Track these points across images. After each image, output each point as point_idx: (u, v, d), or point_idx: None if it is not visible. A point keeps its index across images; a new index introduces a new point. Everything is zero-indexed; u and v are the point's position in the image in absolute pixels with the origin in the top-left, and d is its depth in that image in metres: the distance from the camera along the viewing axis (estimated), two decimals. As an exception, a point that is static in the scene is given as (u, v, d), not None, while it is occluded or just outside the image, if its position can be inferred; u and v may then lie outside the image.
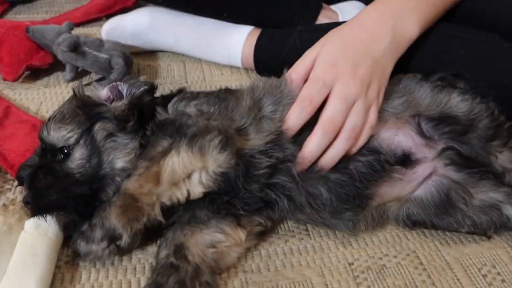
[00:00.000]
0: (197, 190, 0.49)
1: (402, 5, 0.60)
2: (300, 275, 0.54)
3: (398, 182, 0.57)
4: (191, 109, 0.55)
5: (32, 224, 0.52)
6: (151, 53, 0.95)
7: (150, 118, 0.55)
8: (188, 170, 0.48)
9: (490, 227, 0.58)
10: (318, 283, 0.53)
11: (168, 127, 0.52)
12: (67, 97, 0.79)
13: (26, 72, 0.82)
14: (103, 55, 0.80)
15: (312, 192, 0.54)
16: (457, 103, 0.59)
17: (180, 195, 0.49)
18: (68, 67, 0.82)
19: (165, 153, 0.48)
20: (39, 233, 0.51)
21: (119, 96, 0.58)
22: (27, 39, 0.83)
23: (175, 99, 0.57)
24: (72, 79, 0.83)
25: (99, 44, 0.82)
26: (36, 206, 0.51)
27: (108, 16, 1.08)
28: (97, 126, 0.53)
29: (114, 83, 0.58)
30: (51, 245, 0.51)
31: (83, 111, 0.54)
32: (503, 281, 0.56)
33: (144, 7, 0.94)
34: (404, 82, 0.62)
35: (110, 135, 0.53)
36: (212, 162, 0.49)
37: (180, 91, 0.61)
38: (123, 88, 0.58)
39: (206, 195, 0.51)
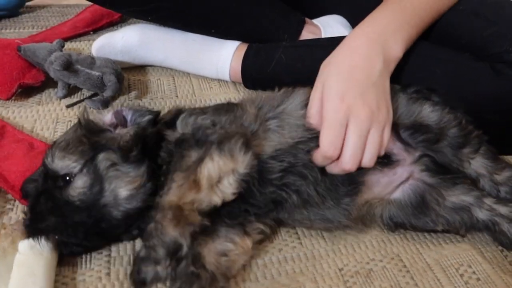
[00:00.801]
0: (229, 191, 0.52)
1: (387, 27, 0.64)
2: (295, 281, 0.58)
3: (381, 176, 0.62)
4: (204, 121, 0.58)
5: (27, 246, 0.53)
6: (141, 68, 0.97)
7: (156, 145, 0.58)
8: (223, 173, 0.51)
9: (461, 226, 0.63)
10: (312, 289, 0.57)
11: (189, 141, 0.55)
12: (60, 115, 0.82)
13: (18, 90, 0.83)
14: (96, 73, 0.82)
15: (319, 183, 0.59)
16: (428, 113, 0.64)
17: (217, 199, 0.51)
18: (60, 84, 0.84)
19: (199, 161, 0.51)
20: (35, 253, 0.53)
21: (123, 121, 0.60)
22: (19, 57, 0.84)
23: (182, 115, 0.60)
24: (65, 96, 0.85)
25: (91, 61, 0.84)
26: (33, 228, 0.53)
27: (95, 30, 1.10)
28: (101, 157, 0.55)
29: (119, 109, 0.60)
30: (48, 263, 0.53)
31: (88, 140, 0.56)
32: (478, 279, 0.61)
33: (133, 24, 0.96)
34: None
35: (113, 164, 0.55)
36: (241, 163, 0.52)
37: (179, 110, 0.63)
38: (128, 114, 0.60)
39: (223, 205, 0.53)
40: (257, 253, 0.61)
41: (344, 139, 0.57)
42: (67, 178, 0.54)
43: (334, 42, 0.86)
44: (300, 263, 0.60)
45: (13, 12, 1.14)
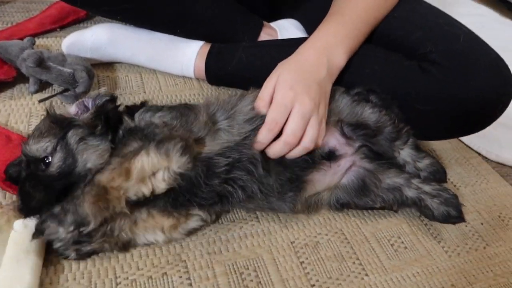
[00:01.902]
0: (161, 185, 0.58)
1: (332, 41, 0.76)
2: (253, 253, 0.67)
3: (326, 172, 0.72)
4: (156, 120, 0.65)
5: (21, 224, 0.59)
6: (109, 65, 1.02)
7: (116, 122, 0.64)
8: (155, 169, 0.58)
9: (394, 203, 0.75)
10: (268, 259, 0.67)
11: (138, 133, 0.62)
12: (33, 109, 0.86)
13: (-11, 86, 0.87)
14: (67, 70, 0.86)
15: (263, 181, 0.67)
16: (369, 114, 0.76)
17: (146, 190, 0.57)
18: (31, 80, 0.88)
19: (136, 152, 0.57)
20: (28, 232, 0.58)
21: (86, 110, 0.67)
22: (-10, 54, 0.87)
23: (141, 110, 0.67)
24: (36, 91, 0.89)
25: (62, 58, 0.88)
26: (26, 208, 0.59)
27: (62, 27, 1.13)
28: (70, 133, 0.61)
29: (81, 100, 0.67)
30: (40, 243, 0.59)
31: (57, 124, 0.63)
32: (405, 247, 0.74)
33: (102, 22, 1.01)
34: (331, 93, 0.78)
35: (81, 139, 0.61)
36: (175, 163, 0.59)
37: (143, 103, 0.71)
38: (88, 102, 0.67)
39: (169, 192, 0.60)
40: (220, 230, 0.70)
41: (287, 120, 0.67)
42: (46, 160, 0.60)
43: (288, 43, 0.97)
44: (258, 238, 0.70)
45: (-24, 6, 1.15)
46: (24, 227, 0.59)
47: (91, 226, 0.54)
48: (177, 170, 0.59)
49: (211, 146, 0.65)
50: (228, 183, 0.65)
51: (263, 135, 0.66)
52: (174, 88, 1.00)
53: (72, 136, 0.61)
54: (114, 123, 0.64)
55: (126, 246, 0.63)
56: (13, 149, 0.71)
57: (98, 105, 0.65)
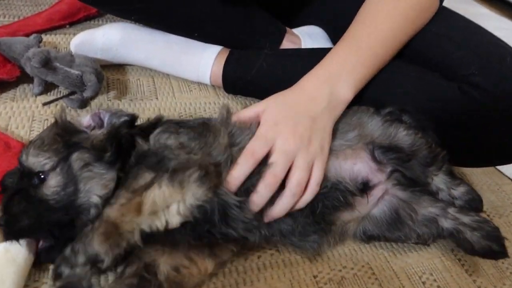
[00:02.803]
0: (174, 220, 0.52)
1: (339, 69, 0.67)
2: (273, 288, 0.61)
3: (357, 206, 0.65)
4: (172, 141, 0.58)
5: (2, 249, 0.53)
6: (120, 67, 0.96)
7: (128, 150, 0.57)
8: (168, 203, 0.51)
9: (429, 237, 0.68)
10: (289, 295, 0.60)
11: (150, 159, 0.55)
12: (36, 112, 0.80)
13: (-10, 85, 0.80)
14: (75, 71, 0.80)
15: (281, 226, 0.60)
16: (403, 136, 0.69)
17: (159, 224, 0.51)
18: (36, 80, 0.82)
19: (148, 186, 0.51)
20: (8, 259, 0.52)
21: (100, 124, 0.60)
22: (-6, 51, 0.81)
23: (158, 130, 0.60)
24: (41, 93, 0.83)
25: (70, 59, 0.82)
26: (8, 231, 0.52)
27: (72, 24, 1.07)
28: (75, 156, 0.54)
29: (97, 111, 0.61)
30: (19, 271, 0.52)
31: (62, 138, 0.56)
32: (438, 286, 0.67)
33: (114, 21, 0.95)
34: (358, 114, 0.71)
35: (86, 165, 0.54)
36: (190, 195, 0.52)
37: (158, 119, 0.63)
38: (105, 116, 0.60)
39: (186, 223, 0.54)
40: (237, 259, 0.63)
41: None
42: (42, 176, 0.54)
43: (313, 54, 0.90)
44: (278, 269, 0.63)
45: (-18, -2, 1.09)
46: (4, 252, 0.52)
47: (106, 263, 0.48)
48: (194, 203, 0.52)
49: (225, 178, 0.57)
50: (246, 229, 0.58)
51: (239, 167, 0.57)
52: (188, 95, 0.94)
53: (77, 160, 0.54)
54: (126, 149, 0.57)
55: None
56: (11, 158, 0.65)
57: (113, 126, 0.58)
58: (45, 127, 0.76)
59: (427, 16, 0.78)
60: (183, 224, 0.53)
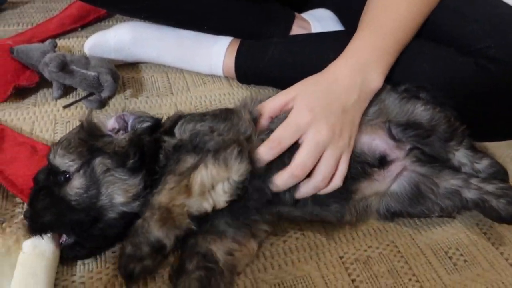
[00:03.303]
0: (222, 199, 0.54)
1: (369, 58, 0.66)
2: (300, 270, 0.62)
3: (376, 181, 0.66)
4: (202, 128, 0.59)
5: (30, 245, 0.55)
6: (134, 65, 0.98)
7: (154, 155, 0.59)
8: (216, 181, 0.53)
9: (454, 209, 0.68)
10: (316, 277, 0.61)
11: (185, 147, 0.57)
12: (58, 115, 0.82)
13: (13, 92, 0.83)
14: (91, 73, 0.82)
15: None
16: (421, 112, 0.68)
17: (208, 205, 0.53)
18: (55, 84, 0.84)
19: (194, 167, 0.53)
20: (37, 254, 0.54)
21: (125, 126, 0.62)
22: (12, 59, 0.83)
23: (181, 121, 0.61)
24: (60, 96, 0.85)
25: (86, 61, 0.84)
26: (32, 226, 0.55)
27: (83, 27, 1.09)
28: (97, 161, 0.56)
29: (121, 114, 0.62)
30: (49, 264, 0.55)
31: (87, 143, 0.58)
32: (465, 261, 0.67)
33: (124, 21, 0.96)
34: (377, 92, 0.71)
35: (108, 170, 0.56)
36: (235, 171, 0.54)
37: (179, 116, 0.64)
38: (129, 119, 0.62)
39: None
40: (263, 245, 0.64)
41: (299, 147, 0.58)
42: (67, 175, 0.56)
43: (323, 38, 0.90)
44: (304, 252, 0.64)
45: (-4, 8, 1.12)
46: (33, 248, 0.55)
47: (168, 247, 0.51)
48: (238, 179, 0.54)
49: (257, 147, 0.59)
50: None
51: (264, 152, 0.58)
52: (202, 88, 0.95)
53: (99, 165, 0.56)
54: (150, 156, 0.58)
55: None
56: (39, 161, 0.67)
57: (135, 131, 0.60)
58: (68, 129, 0.78)
59: None
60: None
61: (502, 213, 0.65)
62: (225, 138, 0.56)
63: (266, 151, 0.58)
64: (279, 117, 0.63)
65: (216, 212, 0.55)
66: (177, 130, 0.60)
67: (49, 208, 0.55)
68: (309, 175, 0.59)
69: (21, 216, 0.62)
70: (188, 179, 0.52)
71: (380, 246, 0.67)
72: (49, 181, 0.57)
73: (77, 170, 0.56)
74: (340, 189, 0.62)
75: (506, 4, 0.76)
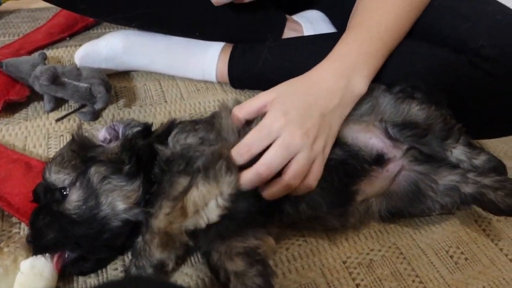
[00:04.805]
0: (214, 214, 0.52)
1: (354, 62, 0.64)
2: (305, 278, 0.62)
3: (375, 179, 0.66)
4: (192, 139, 0.59)
5: (28, 265, 0.54)
6: (125, 74, 0.96)
7: (149, 160, 0.59)
8: (208, 199, 0.52)
9: (453, 206, 0.68)
10: (321, 283, 0.61)
11: (178, 162, 0.56)
12: (51, 129, 0.81)
13: (2, 108, 0.81)
14: (83, 84, 0.81)
15: (307, 199, 0.61)
16: (416, 111, 0.68)
17: (202, 222, 0.53)
18: (46, 97, 0.82)
19: (186, 190, 0.52)
20: (35, 274, 0.54)
21: (116, 136, 0.61)
22: (1, 73, 0.81)
23: (175, 131, 0.61)
24: (52, 109, 0.83)
25: (77, 73, 0.82)
26: (35, 245, 0.54)
27: (71, 36, 1.07)
28: (92, 170, 0.56)
29: (111, 124, 0.61)
30: (48, 285, 0.54)
31: (78, 155, 0.57)
32: (466, 259, 0.68)
33: (115, 30, 0.95)
34: (369, 90, 0.71)
35: (105, 177, 0.56)
36: (227, 185, 0.52)
37: (171, 123, 0.64)
38: (119, 127, 0.61)
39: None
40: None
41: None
42: (64, 192, 0.55)
43: (316, 40, 0.90)
44: (308, 259, 0.64)
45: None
46: (31, 268, 0.54)
47: (171, 266, 0.54)
48: (230, 192, 0.53)
49: None
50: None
51: (233, 156, 0.55)
52: (196, 95, 0.94)
53: (95, 174, 0.56)
54: (146, 160, 0.58)
55: None
56: (34, 178, 0.66)
57: (126, 138, 0.60)
58: (62, 143, 0.77)
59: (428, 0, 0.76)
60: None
61: (501, 206, 0.65)
62: (215, 149, 0.55)
63: (235, 156, 0.55)
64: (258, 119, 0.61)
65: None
66: (170, 141, 0.60)
67: (50, 225, 0.54)
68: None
69: (19, 236, 0.61)
70: (182, 202, 0.52)
71: (383, 249, 0.67)
72: (48, 199, 0.57)
73: (73, 183, 0.55)
74: (340, 190, 0.62)
75: (496, 2, 0.77)
